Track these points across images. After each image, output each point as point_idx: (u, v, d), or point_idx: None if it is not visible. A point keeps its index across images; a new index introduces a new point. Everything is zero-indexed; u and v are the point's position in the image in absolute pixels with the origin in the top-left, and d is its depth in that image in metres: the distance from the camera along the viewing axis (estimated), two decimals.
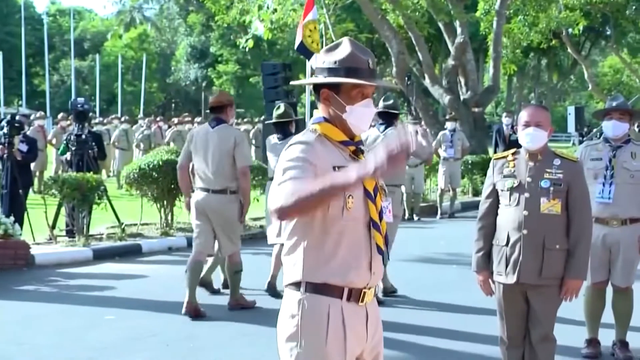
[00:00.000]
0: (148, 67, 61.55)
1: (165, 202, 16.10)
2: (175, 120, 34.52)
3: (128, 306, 10.81)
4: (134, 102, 59.14)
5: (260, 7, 27.22)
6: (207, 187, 10.28)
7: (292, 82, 6.18)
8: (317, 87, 4.03)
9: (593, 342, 8.40)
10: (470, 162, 23.15)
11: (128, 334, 9.44)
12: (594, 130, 28.57)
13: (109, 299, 11.31)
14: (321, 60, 4.04)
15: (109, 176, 25.87)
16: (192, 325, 10.07)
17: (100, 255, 14.04)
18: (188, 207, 11.07)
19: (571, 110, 39.49)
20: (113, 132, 29.06)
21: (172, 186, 15.48)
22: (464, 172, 21.85)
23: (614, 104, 8.77)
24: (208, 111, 12.48)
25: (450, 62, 29.45)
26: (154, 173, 15.52)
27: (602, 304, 8.55)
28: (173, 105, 65.33)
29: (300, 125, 15.63)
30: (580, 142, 24.70)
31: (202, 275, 11.37)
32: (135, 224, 16.13)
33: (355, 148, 3.99)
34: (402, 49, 28.66)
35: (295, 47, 19.42)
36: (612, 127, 8.52)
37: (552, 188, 6.38)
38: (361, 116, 3.94)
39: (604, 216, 8.22)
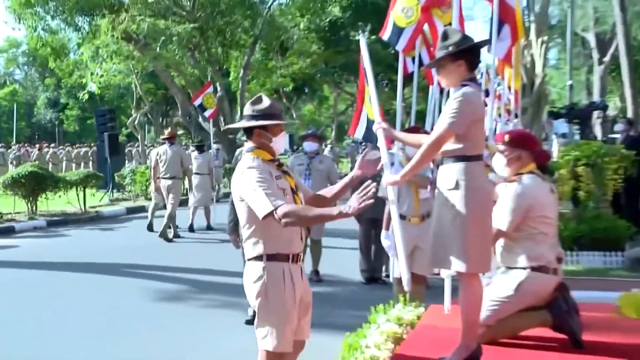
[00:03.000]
0: (17, 112, 67.49)
1: (30, 197, 17.70)
2: (37, 146, 38.61)
3: (7, 266, 11.57)
4: (8, 134, 65.06)
5: (92, 74, 29.69)
6: (168, 175, 14.60)
7: (229, 126, 5.89)
8: (249, 128, 4.41)
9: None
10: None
11: (2, 283, 10.34)
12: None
13: None
14: (250, 109, 4.40)
15: None
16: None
17: None
18: (157, 189, 14.96)
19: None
20: None
21: (35, 187, 17.54)
22: None
23: (310, 132, 11.10)
24: (162, 138, 16.74)
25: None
26: (22, 179, 17.25)
27: None
28: (36, 136, 70.27)
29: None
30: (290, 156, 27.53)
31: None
32: (10, 213, 17.64)
33: (278, 163, 4.44)
34: (184, 99, 31.08)
35: (196, 104, 19.95)
36: (307, 146, 10.51)
37: None
38: (281, 143, 4.45)
39: None
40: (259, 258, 4.28)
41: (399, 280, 6.94)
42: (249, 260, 4.34)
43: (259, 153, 4.34)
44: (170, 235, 14.45)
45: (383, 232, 7.11)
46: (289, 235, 4.29)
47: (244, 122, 4.44)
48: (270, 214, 4.05)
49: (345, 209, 3.98)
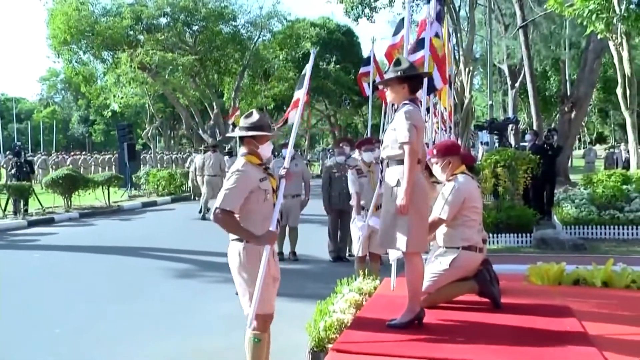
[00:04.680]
0: (56, 127, 66.61)
1: (66, 194, 17.67)
2: (71, 154, 39.52)
3: (50, 248, 11.46)
4: (49, 145, 64.57)
5: (114, 96, 29.15)
6: (212, 174, 15.42)
7: (228, 134, 6.14)
8: (242, 136, 4.30)
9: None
10: None
11: (48, 261, 10.24)
12: None
13: (37, 245, 11.97)
14: (243, 122, 4.31)
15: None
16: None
17: (32, 223, 15.20)
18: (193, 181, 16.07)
19: None
20: (37, 160, 32.05)
21: (70, 187, 17.51)
22: None
23: (287, 141, 7.68)
24: (207, 146, 17.31)
25: (211, 122, 31.50)
26: (60, 180, 17.35)
27: None
28: (71, 146, 70.02)
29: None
30: None
31: None
32: (50, 207, 17.69)
33: (265, 167, 4.33)
34: (188, 116, 31.67)
35: (230, 122, 21.53)
36: (285, 152, 8.63)
37: None
38: (267, 150, 4.35)
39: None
40: (239, 240, 4.19)
41: (360, 259, 7.04)
42: (232, 241, 4.23)
43: (250, 158, 4.26)
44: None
45: (357, 217, 7.13)
46: (266, 222, 4.20)
47: (237, 132, 4.37)
48: (217, 208, 4.07)
49: (262, 240, 4.07)
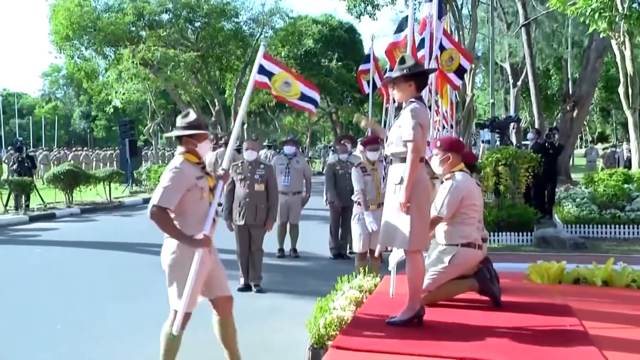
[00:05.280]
0: (58, 122, 66.82)
1: (67, 190, 17.62)
2: (73, 149, 39.57)
3: (51, 244, 11.42)
4: (51, 140, 64.48)
5: (116, 92, 29.49)
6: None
7: (167, 134, 6.66)
8: (179, 136, 4.32)
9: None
10: None
11: (49, 257, 10.17)
12: None
13: (38, 240, 12.07)
14: (180, 122, 4.34)
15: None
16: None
17: (33, 218, 15.25)
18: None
19: None
20: (38, 156, 32.27)
21: (71, 182, 17.41)
22: None
23: (289, 138, 10.94)
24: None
25: (212, 119, 31.64)
26: (61, 176, 17.28)
27: None
28: (72, 142, 69.89)
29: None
30: None
31: None
32: (52, 202, 17.45)
33: (202, 165, 4.35)
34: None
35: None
36: (287, 149, 10.35)
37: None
38: (205, 148, 4.36)
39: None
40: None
41: (360, 255, 7.05)
42: (166, 237, 4.28)
43: (188, 157, 4.30)
44: None
45: (365, 213, 7.18)
46: (199, 222, 4.25)
47: (175, 132, 4.38)
48: (153, 206, 4.12)
49: (196, 243, 4.14)
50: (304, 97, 5.68)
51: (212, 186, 4.38)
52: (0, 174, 22.94)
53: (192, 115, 4.38)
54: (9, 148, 28.10)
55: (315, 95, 5.80)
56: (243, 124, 21.20)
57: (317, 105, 6.19)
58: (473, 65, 20.43)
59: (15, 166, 17.72)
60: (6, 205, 16.38)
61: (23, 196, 16.52)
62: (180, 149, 4.37)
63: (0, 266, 9.63)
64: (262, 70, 5.36)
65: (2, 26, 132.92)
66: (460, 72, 8.37)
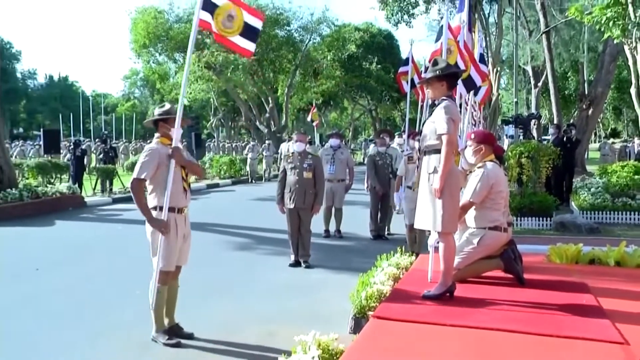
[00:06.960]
0: (135, 118, 68.11)
1: None
2: (148, 141, 41.72)
3: (130, 222, 11.29)
4: (130, 134, 65.82)
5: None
6: None
7: (144, 122, 4.45)
8: (155, 121, 4.62)
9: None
10: None
11: (128, 233, 10.14)
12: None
13: (120, 219, 12.30)
14: (157, 111, 4.67)
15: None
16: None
17: (115, 200, 15.47)
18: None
19: None
20: (120, 147, 32.40)
21: None
22: None
23: (334, 132, 10.88)
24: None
25: (267, 115, 32.11)
26: None
27: None
28: (147, 135, 71.00)
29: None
30: None
31: None
32: None
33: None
34: (247, 109, 32.49)
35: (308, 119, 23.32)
36: (332, 142, 10.36)
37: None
38: (177, 133, 4.52)
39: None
40: (155, 208, 4.52)
41: (410, 227, 7.25)
42: (150, 208, 4.54)
43: (162, 140, 4.61)
44: None
45: (395, 194, 7.86)
46: (176, 195, 4.51)
47: (152, 118, 4.74)
48: (133, 179, 4.48)
49: (154, 222, 4.45)
50: (246, 30, 4.90)
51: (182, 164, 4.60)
52: (90, 162, 23.36)
53: (167, 105, 4.69)
54: (97, 140, 27.76)
55: (258, 23, 4.98)
56: (312, 121, 22.69)
57: (258, 38, 5.25)
58: (499, 68, 20.12)
59: (101, 156, 18.20)
60: (94, 188, 16.85)
61: (107, 181, 16.92)
62: (157, 133, 4.68)
63: (91, 238, 9.93)
64: (206, 4, 4.73)
65: (91, 38, 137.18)
66: (468, 83, 7.63)
